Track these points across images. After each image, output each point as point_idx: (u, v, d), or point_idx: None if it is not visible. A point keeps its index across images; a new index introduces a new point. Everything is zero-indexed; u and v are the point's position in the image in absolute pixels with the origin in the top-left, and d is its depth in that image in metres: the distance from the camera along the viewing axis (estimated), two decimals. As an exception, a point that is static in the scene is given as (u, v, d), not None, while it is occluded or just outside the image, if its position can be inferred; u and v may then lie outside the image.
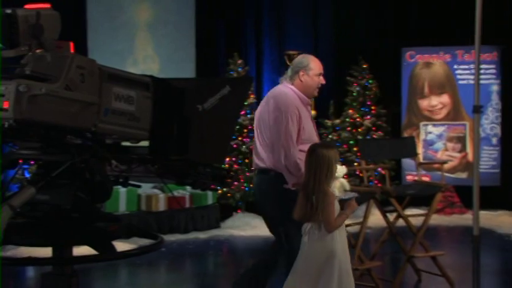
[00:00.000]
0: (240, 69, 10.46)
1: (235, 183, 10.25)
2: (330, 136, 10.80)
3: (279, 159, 4.58)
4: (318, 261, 4.27)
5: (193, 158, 3.41)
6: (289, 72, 4.89)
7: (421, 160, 10.61)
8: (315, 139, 4.80)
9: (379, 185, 6.99)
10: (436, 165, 10.47)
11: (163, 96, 3.25)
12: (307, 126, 4.71)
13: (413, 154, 6.90)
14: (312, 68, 4.81)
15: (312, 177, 4.31)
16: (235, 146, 10.27)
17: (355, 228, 6.27)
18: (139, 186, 3.64)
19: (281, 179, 4.61)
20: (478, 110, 3.80)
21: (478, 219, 3.70)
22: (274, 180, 4.66)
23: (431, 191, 6.56)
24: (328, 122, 10.86)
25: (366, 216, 6.08)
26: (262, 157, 4.74)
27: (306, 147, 4.48)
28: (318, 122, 10.75)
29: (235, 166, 10.28)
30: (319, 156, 4.31)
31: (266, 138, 4.72)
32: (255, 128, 4.96)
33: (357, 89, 11.06)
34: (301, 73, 4.80)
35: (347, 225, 6.01)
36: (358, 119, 10.96)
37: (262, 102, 4.92)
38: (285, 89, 4.81)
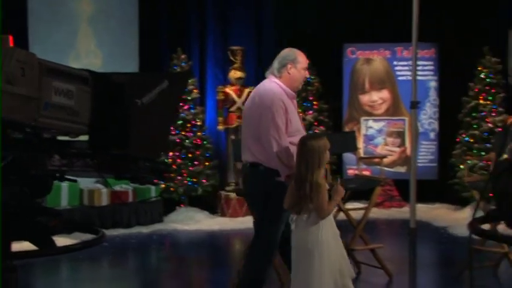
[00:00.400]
0: (183, 64, 10.46)
1: (179, 177, 10.25)
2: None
3: (269, 150, 4.65)
4: (304, 249, 4.40)
5: (133, 153, 3.43)
6: (275, 65, 4.92)
7: (362, 155, 10.79)
8: (302, 131, 4.89)
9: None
10: (376, 160, 10.66)
11: (102, 91, 3.25)
12: (293, 119, 4.80)
13: (354, 149, 7.04)
14: (299, 61, 4.90)
15: (304, 168, 4.39)
16: (178, 140, 10.27)
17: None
18: (75, 181, 3.63)
19: (271, 172, 4.69)
20: (415, 105, 3.91)
21: (414, 213, 3.80)
22: (264, 173, 4.73)
23: (371, 185, 6.70)
24: (271, 117, 10.94)
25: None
26: (252, 151, 4.82)
27: (294, 139, 4.58)
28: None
29: (178, 160, 10.28)
30: (309, 147, 4.42)
31: (255, 133, 4.79)
32: (242, 124, 5.06)
33: (301, 84, 11.16)
34: (289, 66, 4.85)
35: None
36: (300, 114, 11.04)
37: (249, 98, 5.02)
38: (270, 84, 4.87)
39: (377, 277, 6.60)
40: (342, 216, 6.66)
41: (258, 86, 5.00)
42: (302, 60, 4.90)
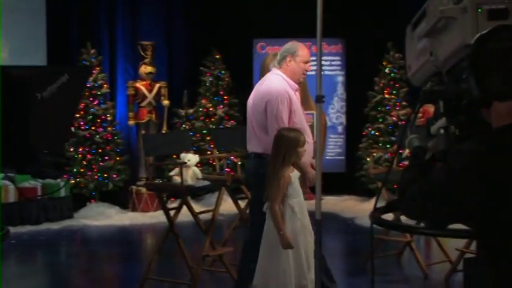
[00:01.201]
0: (93, 59, 10.37)
1: (89, 173, 10.17)
2: (183, 126, 10.92)
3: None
4: (271, 238, 4.56)
5: (33, 146, 3.42)
6: (277, 57, 5.06)
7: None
8: (305, 123, 5.00)
9: (231, 173, 7.18)
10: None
11: (1, 84, 3.23)
12: (297, 110, 4.95)
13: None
14: (299, 55, 5.02)
15: (272, 159, 4.60)
16: (88, 135, 10.19)
17: (207, 215, 6.44)
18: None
19: None
20: (320, 99, 4.05)
21: (320, 205, 3.93)
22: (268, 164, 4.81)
23: (279, 178, 6.83)
24: (182, 112, 10.98)
25: (217, 204, 6.26)
26: (257, 142, 4.95)
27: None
28: (172, 111, 10.86)
29: (89, 156, 10.20)
30: (279, 139, 4.54)
31: (260, 124, 4.91)
32: (248, 116, 5.18)
33: (210, 79, 11.24)
34: (288, 58, 4.98)
35: (199, 213, 6.19)
36: (211, 109, 11.14)
37: (254, 91, 5.14)
38: (274, 77, 4.99)
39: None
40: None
41: (263, 78, 5.15)
42: (302, 53, 5.02)
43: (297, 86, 5.07)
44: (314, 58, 11.64)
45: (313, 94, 12.16)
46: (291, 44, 5.09)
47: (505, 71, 1.80)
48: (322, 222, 4.00)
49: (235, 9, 11.41)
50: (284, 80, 4.97)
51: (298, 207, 4.66)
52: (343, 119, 11.80)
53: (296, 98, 5.04)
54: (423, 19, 2.40)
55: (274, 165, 4.60)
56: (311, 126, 11.87)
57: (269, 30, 11.48)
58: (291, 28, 11.30)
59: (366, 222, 9.25)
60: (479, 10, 2.02)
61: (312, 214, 8.83)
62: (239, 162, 7.68)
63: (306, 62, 5.09)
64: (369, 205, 10.60)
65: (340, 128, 11.85)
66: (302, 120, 5.00)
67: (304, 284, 4.57)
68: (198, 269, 5.97)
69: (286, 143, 4.59)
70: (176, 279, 6.23)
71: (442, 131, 1.99)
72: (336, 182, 11.48)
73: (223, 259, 6.31)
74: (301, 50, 5.04)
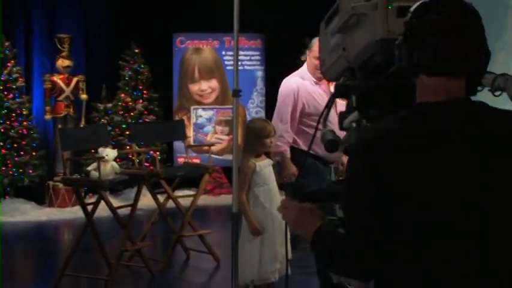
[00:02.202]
0: (7, 52, 10.11)
1: (4, 168, 9.93)
2: (102, 120, 10.77)
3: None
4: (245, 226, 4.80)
5: None
6: None
7: (192, 143, 10.95)
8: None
9: (150, 167, 7.15)
10: (205, 148, 10.85)
11: None
12: (311, 102, 5.16)
13: (182, 137, 7.16)
14: (313, 50, 5.18)
15: (242, 149, 4.88)
16: (2, 130, 9.94)
17: (125, 210, 6.40)
18: None
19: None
20: (237, 94, 4.09)
21: (237, 198, 3.98)
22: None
23: (199, 172, 6.87)
24: (101, 106, 10.83)
25: (136, 198, 6.22)
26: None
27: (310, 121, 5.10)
28: (90, 105, 10.70)
29: (3, 151, 9.95)
30: (246, 129, 4.95)
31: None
32: None
33: (129, 73, 11.13)
34: (307, 53, 5.29)
35: (117, 208, 6.15)
36: (130, 103, 11.04)
37: None
38: (292, 74, 5.42)
39: (205, 262, 6.79)
40: (171, 203, 6.79)
41: None
42: (315, 49, 5.05)
43: (315, 79, 5.23)
44: (232, 53, 11.72)
45: (240, 88, 12.20)
46: (314, 39, 5.20)
47: (438, 47, 1.77)
48: (238, 216, 4.06)
49: (155, 3, 11.33)
50: (299, 76, 5.31)
51: (264, 195, 4.78)
52: (262, 114, 11.87)
53: (319, 89, 5.23)
54: (336, 15, 2.45)
55: (243, 155, 4.82)
56: (230, 122, 11.94)
57: (189, 24, 11.44)
58: (210, 23, 11.30)
59: (284, 215, 9.37)
60: (390, 7, 2.07)
61: (228, 208, 8.89)
62: (158, 157, 7.66)
63: (317, 58, 5.19)
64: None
65: (259, 123, 11.92)
66: (318, 110, 5.06)
67: (273, 271, 4.77)
68: (116, 264, 5.93)
69: (251, 133, 4.78)
70: (94, 275, 6.17)
71: (354, 124, 2.04)
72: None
73: (142, 253, 6.28)
74: (315, 45, 5.10)
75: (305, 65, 5.36)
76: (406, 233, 1.71)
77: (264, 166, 4.82)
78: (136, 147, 7.17)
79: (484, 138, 1.76)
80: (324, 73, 2.67)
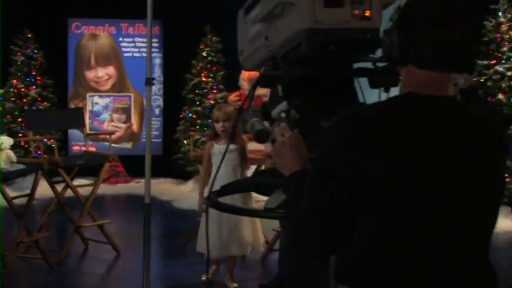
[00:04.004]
0: None
1: None
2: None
3: None
4: None
5: None
6: None
7: (88, 131, 10.70)
8: None
9: (45, 156, 6.90)
10: (102, 136, 10.65)
11: None
12: None
13: (81, 125, 6.97)
14: None
15: None
16: None
17: (22, 200, 6.17)
18: None
19: None
20: (150, 82, 4.02)
21: (149, 189, 3.92)
22: None
23: (99, 161, 6.71)
24: (-9, 92, 10.42)
25: (34, 188, 6.01)
26: None
27: None
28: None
29: None
30: None
31: None
32: None
33: (22, 58, 10.75)
34: None
35: (13, 198, 5.92)
36: (22, 89, 10.66)
37: None
38: None
39: (105, 252, 6.66)
40: (69, 193, 6.60)
41: None
42: None
43: None
44: (130, 40, 11.47)
45: (131, 76, 11.97)
46: None
47: (434, 39, 1.71)
48: (150, 206, 4.00)
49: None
50: None
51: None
52: (160, 102, 11.75)
53: None
54: (257, 4, 2.42)
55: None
56: (127, 109, 11.75)
57: (85, 9, 11.16)
58: (107, 8, 11.08)
59: (183, 204, 9.34)
60: (317, -3, 2.06)
61: (132, 197, 8.73)
62: (53, 145, 7.41)
63: None
64: (186, 187, 10.70)
65: (157, 111, 11.79)
66: None
67: (225, 255, 5.37)
68: (11, 256, 5.72)
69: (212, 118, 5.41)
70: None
71: (283, 114, 2.02)
72: (153, 164, 11.41)
73: (39, 244, 6.09)
74: None
75: None
76: (369, 213, 1.70)
77: (221, 149, 5.28)
78: (32, 135, 6.92)
79: (470, 139, 1.75)
80: (242, 62, 2.64)
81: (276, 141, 1.97)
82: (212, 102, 10.75)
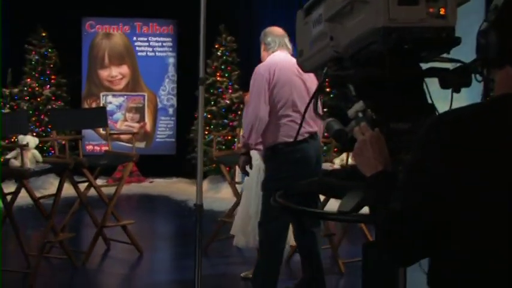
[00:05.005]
0: None
1: None
2: (8, 105, 10.34)
3: None
4: None
5: None
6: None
7: (101, 130, 10.68)
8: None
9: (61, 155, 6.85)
10: (116, 135, 10.64)
11: None
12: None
13: (104, 124, 6.94)
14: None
15: None
16: None
17: (49, 200, 6.15)
18: None
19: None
20: (203, 82, 4.00)
21: (201, 190, 3.88)
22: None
23: (122, 160, 6.69)
24: (6, 91, 10.39)
25: (60, 188, 5.97)
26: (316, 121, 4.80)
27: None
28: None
29: None
30: None
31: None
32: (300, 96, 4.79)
33: (36, 57, 10.73)
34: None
35: (40, 198, 5.89)
36: (37, 89, 10.64)
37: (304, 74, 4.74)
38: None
39: (128, 253, 6.64)
40: (92, 192, 6.58)
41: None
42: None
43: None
44: (144, 39, 11.45)
45: (144, 75, 11.92)
46: (266, 32, 5.07)
47: None
48: (202, 207, 3.98)
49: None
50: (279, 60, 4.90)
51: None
52: (174, 101, 11.73)
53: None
54: (319, 4, 2.39)
55: None
56: (140, 109, 11.74)
57: (99, 8, 11.14)
58: (121, 7, 11.06)
59: (199, 204, 9.29)
60: (391, -5, 2.03)
61: (145, 197, 8.67)
62: (68, 144, 7.38)
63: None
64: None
65: (171, 110, 11.78)
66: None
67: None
68: (38, 256, 5.69)
69: None
70: (13, 268, 5.90)
71: (360, 114, 1.99)
72: (166, 164, 11.44)
73: (64, 245, 6.07)
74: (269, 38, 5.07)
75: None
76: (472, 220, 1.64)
77: None
78: (56, 135, 6.91)
79: None
80: (301, 63, 2.60)
81: (355, 140, 1.94)
82: (228, 102, 10.72)
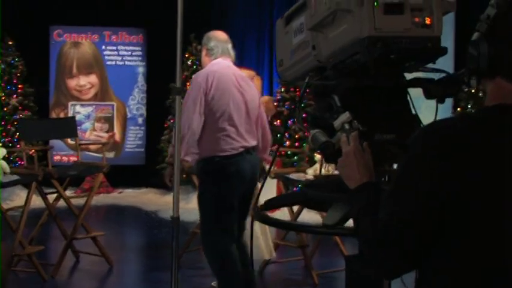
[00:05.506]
0: None
1: None
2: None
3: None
4: None
5: None
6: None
7: (69, 140, 10.55)
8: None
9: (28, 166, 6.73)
10: (85, 146, 10.50)
11: None
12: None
13: (74, 134, 6.84)
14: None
15: None
16: None
17: (16, 212, 6.04)
18: None
19: None
20: (180, 91, 3.95)
21: (178, 201, 3.82)
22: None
23: (93, 171, 6.59)
24: (-29, 101, 10.22)
25: (28, 200, 5.86)
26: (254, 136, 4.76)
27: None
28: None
29: None
30: None
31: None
32: (245, 108, 4.73)
33: (2, 66, 10.56)
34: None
35: (7, 210, 5.77)
36: (3, 98, 10.47)
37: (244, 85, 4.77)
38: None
39: (96, 264, 6.54)
40: (61, 203, 6.47)
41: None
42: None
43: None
44: (113, 48, 11.33)
45: (113, 85, 11.80)
46: (209, 36, 5.03)
47: None
48: (178, 220, 3.92)
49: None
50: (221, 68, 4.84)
51: None
52: (143, 111, 11.63)
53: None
54: (301, 13, 2.35)
55: None
56: (109, 118, 11.60)
57: (67, 17, 11.01)
58: (89, 16, 10.95)
59: (169, 215, 9.18)
60: (376, 4, 2.00)
61: (113, 208, 8.56)
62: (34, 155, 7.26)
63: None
64: (170, 198, 10.54)
65: (140, 120, 11.67)
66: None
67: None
68: (5, 271, 5.55)
69: None
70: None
71: (347, 125, 1.95)
72: (135, 174, 11.33)
73: (32, 258, 5.94)
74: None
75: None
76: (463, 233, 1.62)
77: None
78: (24, 146, 6.78)
79: None
80: (281, 73, 2.56)
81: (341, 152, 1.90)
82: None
